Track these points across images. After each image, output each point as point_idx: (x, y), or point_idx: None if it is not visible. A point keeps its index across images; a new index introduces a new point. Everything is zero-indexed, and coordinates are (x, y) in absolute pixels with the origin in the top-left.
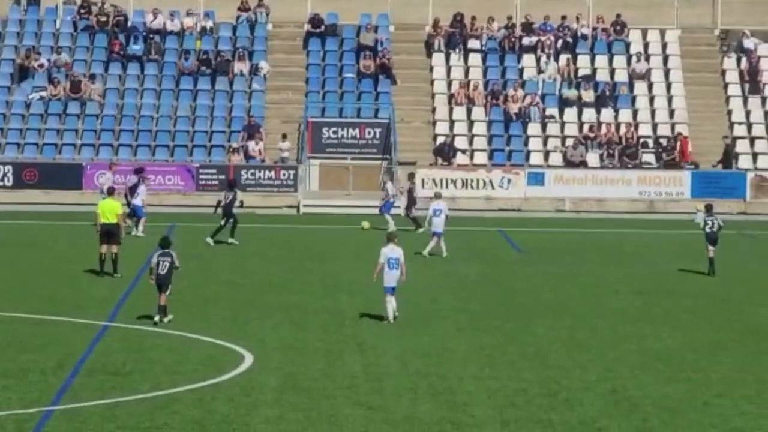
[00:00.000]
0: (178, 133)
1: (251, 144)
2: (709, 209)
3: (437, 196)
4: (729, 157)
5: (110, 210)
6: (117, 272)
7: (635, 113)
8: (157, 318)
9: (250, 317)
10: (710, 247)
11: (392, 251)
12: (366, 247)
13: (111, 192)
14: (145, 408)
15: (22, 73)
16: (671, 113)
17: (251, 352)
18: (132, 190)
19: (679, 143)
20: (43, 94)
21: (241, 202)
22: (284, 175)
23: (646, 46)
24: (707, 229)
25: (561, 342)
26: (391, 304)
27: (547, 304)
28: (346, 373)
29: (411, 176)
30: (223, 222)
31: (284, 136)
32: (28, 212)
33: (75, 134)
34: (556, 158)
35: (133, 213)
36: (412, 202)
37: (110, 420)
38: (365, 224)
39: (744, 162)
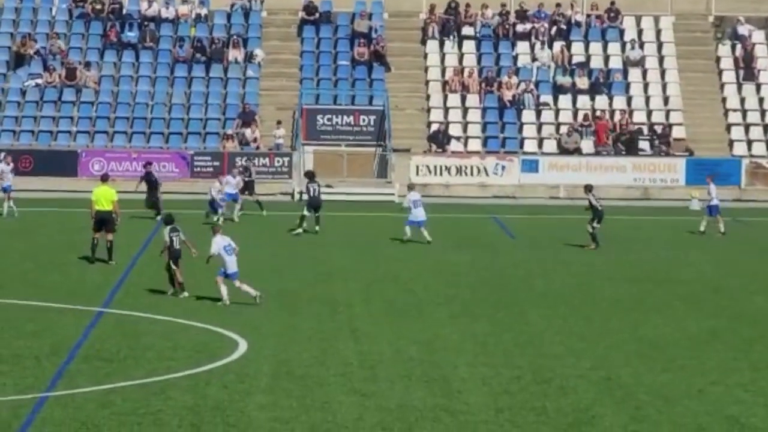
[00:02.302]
0: (172, 120)
1: (247, 131)
2: (589, 189)
3: (411, 187)
4: (634, 143)
5: (105, 197)
6: (112, 259)
7: (629, 100)
8: (185, 294)
9: (244, 304)
10: (596, 225)
11: (223, 239)
12: (359, 235)
13: (105, 179)
14: (139, 394)
15: (18, 60)
16: (665, 100)
17: (245, 338)
18: (247, 184)
19: (595, 126)
20: (39, 81)
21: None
22: (279, 161)
23: (640, 32)
24: (599, 207)
25: (555, 330)
26: (244, 286)
27: (540, 292)
28: (340, 360)
29: (248, 161)
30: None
31: (279, 123)
32: (24, 199)
33: (70, 121)
34: (550, 145)
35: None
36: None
37: (105, 406)
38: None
39: (739, 149)
